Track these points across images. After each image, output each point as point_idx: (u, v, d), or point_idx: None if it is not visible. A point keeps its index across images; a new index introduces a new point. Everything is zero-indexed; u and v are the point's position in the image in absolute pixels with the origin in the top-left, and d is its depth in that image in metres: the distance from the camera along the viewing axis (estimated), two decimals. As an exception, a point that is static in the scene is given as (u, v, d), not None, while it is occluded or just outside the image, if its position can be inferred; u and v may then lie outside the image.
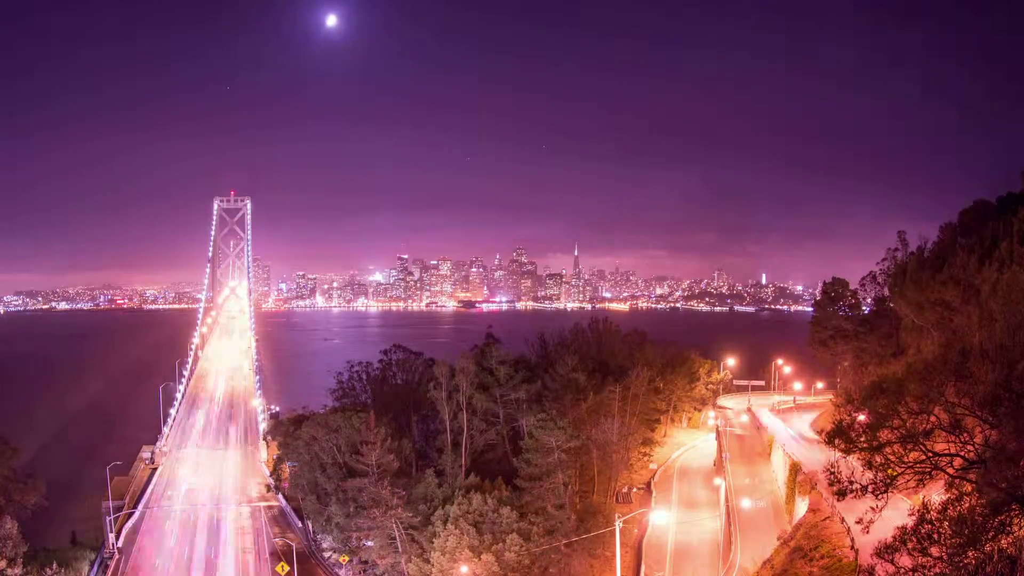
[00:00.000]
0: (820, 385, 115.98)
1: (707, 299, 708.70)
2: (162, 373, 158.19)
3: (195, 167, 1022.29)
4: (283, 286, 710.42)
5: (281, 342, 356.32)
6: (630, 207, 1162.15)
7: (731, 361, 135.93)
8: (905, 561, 29.44)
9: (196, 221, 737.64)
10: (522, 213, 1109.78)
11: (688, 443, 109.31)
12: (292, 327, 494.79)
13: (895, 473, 34.57)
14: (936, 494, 36.00)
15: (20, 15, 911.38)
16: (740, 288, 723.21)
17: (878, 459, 34.74)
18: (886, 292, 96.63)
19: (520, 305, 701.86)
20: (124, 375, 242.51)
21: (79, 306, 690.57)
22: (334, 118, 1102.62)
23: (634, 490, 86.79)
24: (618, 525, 56.19)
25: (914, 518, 30.25)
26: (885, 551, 30.05)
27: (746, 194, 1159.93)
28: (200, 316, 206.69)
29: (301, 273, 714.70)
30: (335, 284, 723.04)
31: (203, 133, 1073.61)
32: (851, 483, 34.41)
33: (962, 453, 33.67)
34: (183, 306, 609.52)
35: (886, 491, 34.14)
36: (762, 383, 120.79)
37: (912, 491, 40.04)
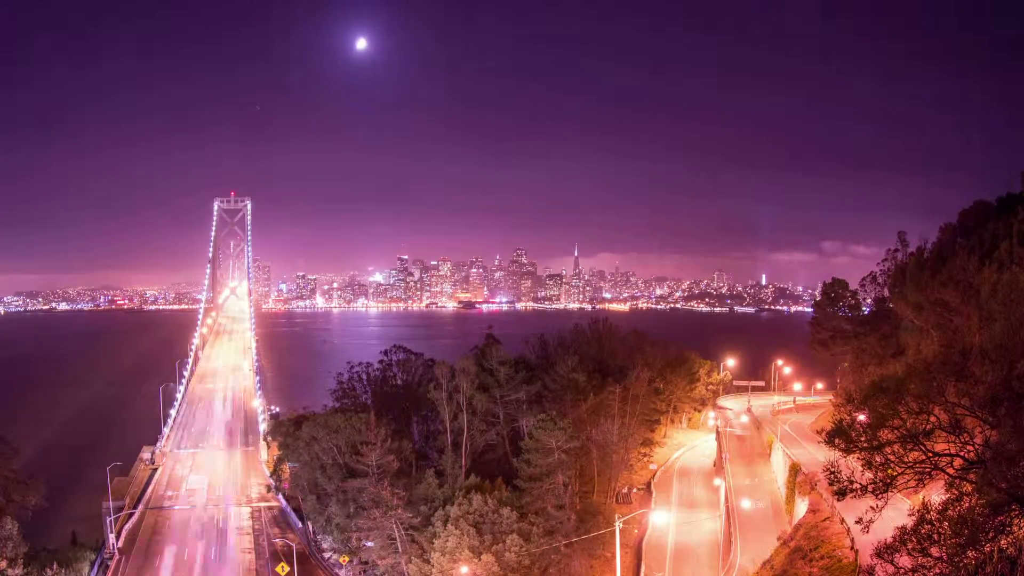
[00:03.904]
0: (820, 385, 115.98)
1: (707, 299, 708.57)
2: (162, 373, 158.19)
3: (196, 168, 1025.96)
4: (283, 286, 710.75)
5: (281, 342, 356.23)
6: (630, 207, 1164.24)
7: (731, 361, 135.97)
8: (905, 561, 29.43)
9: (196, 222, 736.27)
10: (522, 214, 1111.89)
11: (688, 444, 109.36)
12: (292, 327, 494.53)
13: (895, 473, 34.48)
14: (936, 494, 35.99)
15: (41, 32, 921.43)
16: (740, 288, 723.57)
17: (878, 459, 34.66)
18: (886, 293, 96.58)
19: (520, 306, 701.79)
20: (124, 375, 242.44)
21: (79, 306, 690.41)
22: (335, 122, 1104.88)
23: (634, 490, 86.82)
24: (618, 526, 56.22)
25: (914, 518, 30.23)
26: (885, 551, 30.03)
27: (746, 195, 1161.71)
28: (200, 316, 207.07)
29: (301, 273, 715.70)
30: (335, 284, 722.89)
31: (204, 136, 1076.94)
32: (851, 483, 34.35)
33: (962, 453, 33.59)
34: (183, 307, 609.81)
35: (886, 491, 34.06)
36: (762, 383, 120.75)
37: (912, 491, 40.04)
